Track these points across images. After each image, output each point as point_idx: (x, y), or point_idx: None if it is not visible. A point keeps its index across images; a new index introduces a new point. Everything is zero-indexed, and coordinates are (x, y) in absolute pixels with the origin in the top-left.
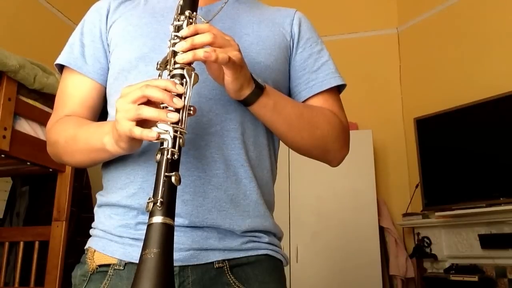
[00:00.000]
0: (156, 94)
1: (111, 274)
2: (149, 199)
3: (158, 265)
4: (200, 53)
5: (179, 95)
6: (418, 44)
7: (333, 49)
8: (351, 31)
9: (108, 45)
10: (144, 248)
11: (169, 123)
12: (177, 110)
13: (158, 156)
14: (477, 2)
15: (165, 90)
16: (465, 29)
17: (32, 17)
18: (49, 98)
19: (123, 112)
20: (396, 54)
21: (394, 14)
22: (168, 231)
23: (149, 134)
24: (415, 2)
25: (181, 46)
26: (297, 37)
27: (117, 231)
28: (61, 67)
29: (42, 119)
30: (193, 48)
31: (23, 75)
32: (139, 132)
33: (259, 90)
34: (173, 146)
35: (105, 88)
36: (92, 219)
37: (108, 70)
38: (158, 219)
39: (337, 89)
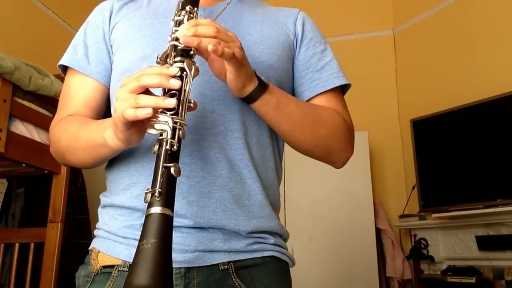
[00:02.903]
0: (151, 81)
1: (115, 275)
2: (147, 189)
3: (156, 255)
4: (206, 42)
5: (178, 90)
6: (414, 45)
7: None
8: (347, 33)
9: (111, 46)
10: (141, 238)
11: (168, 114)
12: (176, 96)
13: (156, 147)
14: (472, 4)
15: (160, 74)
16: (460, 31)
17: (26, 18)
18: (44, 100)
19: (122, 101)
20: (392, 55)
21: (389, 16)
22: (166, 222)
23: (143, 111)
24: (411, 3)
25: (182, 33)
26: (300, 36)
27: (121, 232)
28: (64, 68)
29: (37, 121)
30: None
31: (18, 77)
32: (132, 112)
33: (262, 87)
34: (172, 137)
35: (108, 89)
36: (87, 221)
37: (111, 71)
38: (156, 209)
39: (341, 89)
